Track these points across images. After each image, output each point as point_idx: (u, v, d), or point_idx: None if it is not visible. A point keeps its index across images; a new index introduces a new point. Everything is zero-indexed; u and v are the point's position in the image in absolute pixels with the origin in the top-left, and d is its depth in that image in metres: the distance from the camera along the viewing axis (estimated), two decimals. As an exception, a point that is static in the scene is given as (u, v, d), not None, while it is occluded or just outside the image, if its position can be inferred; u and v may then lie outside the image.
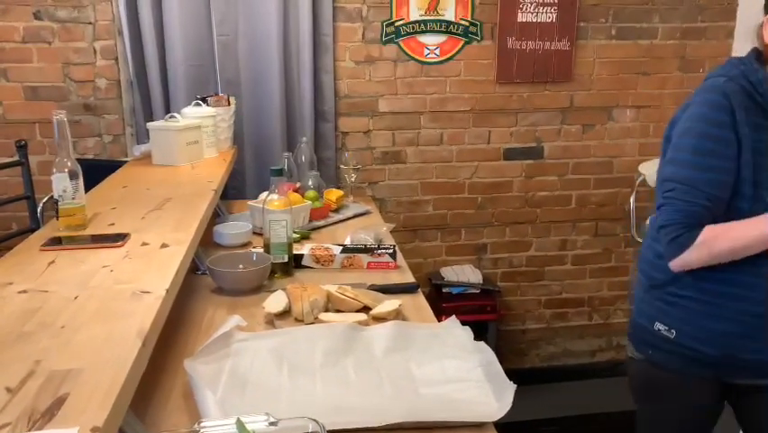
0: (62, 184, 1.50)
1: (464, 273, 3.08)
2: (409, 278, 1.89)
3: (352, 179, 2.66)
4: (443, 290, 3.02)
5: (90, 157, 2.81)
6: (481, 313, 3.00)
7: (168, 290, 1.18)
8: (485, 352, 1.38)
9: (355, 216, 2.48)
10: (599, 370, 3.40)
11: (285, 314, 1.59)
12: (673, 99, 3.16)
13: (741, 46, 3.10)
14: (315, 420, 0.99)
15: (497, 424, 1.16)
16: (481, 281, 3.06)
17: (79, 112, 2.78)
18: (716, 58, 3.14)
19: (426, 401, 1.23)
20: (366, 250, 1.97)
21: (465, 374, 1.32)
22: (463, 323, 1.55)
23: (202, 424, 1.01)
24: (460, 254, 3.22)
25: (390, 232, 2.25)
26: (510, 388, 1.21)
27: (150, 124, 2.38)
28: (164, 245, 1.42)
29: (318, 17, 2.80)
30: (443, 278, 3.06)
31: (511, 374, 1.27)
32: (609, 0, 3.01)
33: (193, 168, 2.27)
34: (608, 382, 3.32)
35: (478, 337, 1.48)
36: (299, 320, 1.56)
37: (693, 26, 3.11)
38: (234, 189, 2.85)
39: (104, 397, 0.82)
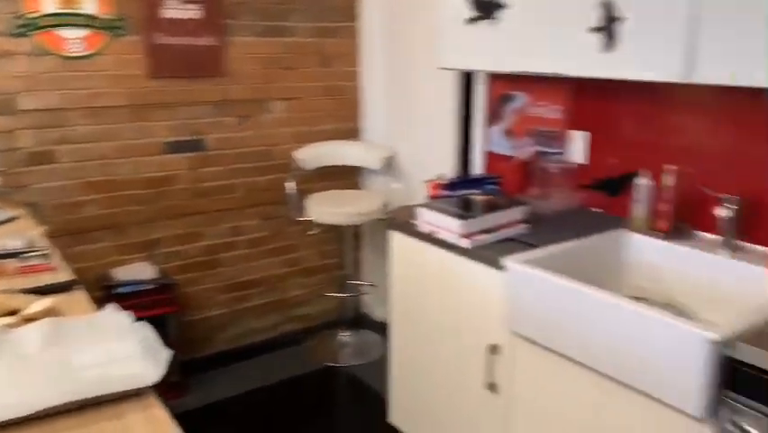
0: None
1: (136, 271, 3.05)
2: (66, 278, 1.85)
3: (-7, 185, 2.45)
4: (115, 291, 2.95)
5: None
6: (159, 307, 3.01)
7: None
8: (143, 329, 1.45)
9: (0, 223, 2.29)
10: (283, 342, 3.68)
11: None
12: (314, 92, 3.55)
13: (365, 44, 3.63)
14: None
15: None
16: (155, 277, 3.07)
17: None
18: (347, 55, 3.62)
19: (84, 383, 1.26)
20: (13, 255, 1.86)
21: (126, 352, 1.38)
22: (141, 319, 1.58)
23: None
24: (131, 253, 3.17)
25: (52, 237, 2.15)
26: (165, 354, 1.31)
27: None
28: None
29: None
30: (112, 278, 2.99)
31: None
32: (253, -1, 3.25)
33: None
34: (292, 350, 3.65)
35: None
36: (-67, 335, 1.43)
37: (327, 26, 3.52)
38: None
39: None
